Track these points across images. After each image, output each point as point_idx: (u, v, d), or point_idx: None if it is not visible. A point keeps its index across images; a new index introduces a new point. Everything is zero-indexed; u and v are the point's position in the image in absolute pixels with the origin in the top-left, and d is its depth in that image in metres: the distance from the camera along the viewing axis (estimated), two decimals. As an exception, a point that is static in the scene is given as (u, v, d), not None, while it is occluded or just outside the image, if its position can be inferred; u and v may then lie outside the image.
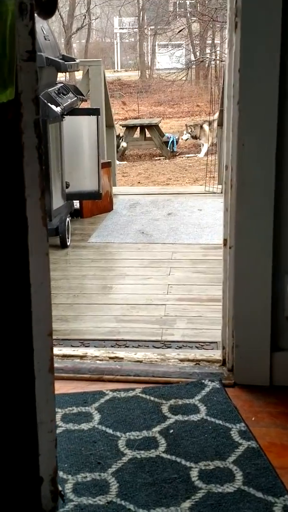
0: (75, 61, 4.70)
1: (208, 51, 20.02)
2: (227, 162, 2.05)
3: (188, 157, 11.60)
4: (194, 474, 1.73)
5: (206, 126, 11.55)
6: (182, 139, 12.14)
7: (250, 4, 1.83)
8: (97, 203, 5.13)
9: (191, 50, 21.20)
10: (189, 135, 11.88)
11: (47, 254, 1.42)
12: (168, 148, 11.80)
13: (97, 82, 5.67)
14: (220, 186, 5.93)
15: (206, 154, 11.42)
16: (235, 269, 2.09)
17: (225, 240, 2.13)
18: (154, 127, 12.01)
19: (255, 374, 2.14)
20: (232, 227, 2.06)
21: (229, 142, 2.02)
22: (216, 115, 11.36)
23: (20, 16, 1.28)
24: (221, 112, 6.01)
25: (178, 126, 14.03)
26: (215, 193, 5.88)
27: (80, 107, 4.87)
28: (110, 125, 6.12)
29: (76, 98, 4.58)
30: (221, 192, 5.78)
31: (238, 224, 2.02)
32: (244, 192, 1.99)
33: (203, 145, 11.62)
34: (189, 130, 11.93)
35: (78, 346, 2.75)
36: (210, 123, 11.43)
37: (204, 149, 11.48)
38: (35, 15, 1.31)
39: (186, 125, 12.40)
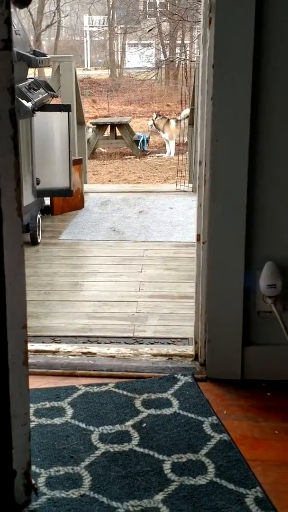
0: (46, 56, 4.68)
1: (178, 50, 20.11)
2: (201, 158, 2.07)
3: (158, 156, 11.64)
4: (167, 467, 1.74)
5: (172, 122, 11.63)
6: (148, 126, 12.23)
7: None
8: (68, 200, 5.11)
9: (161, 50, 21.27)
10: (152, 122, 11.99)
11: (22, 245, 1.42)
12: (139, 147, 11.82)
13: (68, 78, 5.65)
14: (191, 185, 5.98)
15: (177, 153, 11.51)
16: (208, 264, 2.11)
17: (198, 236, 2.14)
18: (124, 126, 12.01)
19: (227, 368, 2.17)
20: (205, 222, 2.08)
21: (203, 137, 2.04)
22: (183, 114, 11.57)
23: (-4, 5, 1.27)
24: (192, 111, 6.05)
25: (148, 125, 14.03)
26: (186, 191, 5.92)
27: (51, 103, 4.85)
28: (81, 122, 6.10)
29: (47, 94, 4.55)
30: (192, 191, 5.89)
31: (212, 220, 2.05)
32: (217, 188, 2.01)
33: (168, 142, 11.68)
34: (154, 117, 12.03)
35: (50, 343, 2.74)
36: (177, 121, 11.53)
37: (171, 146, 11.56)
38: (11, 4, 1.31)
39: (154, 112, 12.53)
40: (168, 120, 11.90)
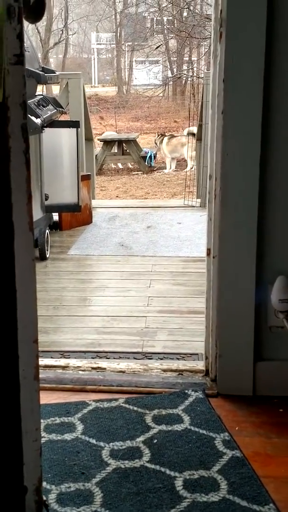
0: (55, 73, 4.71)
1: (185, 67, 20.26)
2: (211, 172, 2.06)
3: (166, 172, 11.68)
4: (178, 483, 1.72)
5: (165, 139, 11.75)
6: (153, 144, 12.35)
7: (234, 14, 1.86)
8: (76, 216, 5.12)
9: (168, 67, 21.44)
10: (155, 140, 12.14)
11: (33, 260, 1.41)
12: (146, 163, 11.88)
13: (76, 95, 5.69)
14: (199, 200, 5.99)
15: (192, 168, 11.60)
16: (218, 279, 2.10)
17: (208, 250, 2.14)
18: (131, 142, 12.08)
19: (238, 384, 2.15)
20: (215, 236, 2.08)
21: (213, 152, 2.04)
22: (186, 131, 11.69)
23: (8, 19, 1.28)
24: (200, 126, 6.08)
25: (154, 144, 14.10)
26: (194, 206, 5.92)
27: (59, 119, 4.89)
28: (89, 138, 6.14)
29: (55, 110, 4.58)
30: (200, 206, 5.90)
31: (222, 234, 2.04)
32: (228, 202, 2.01)
33: (166, 158, 11.79)
34: (157, 137, 12.14)
35: (59, 358, 2.72)
36: (171, 137, 11.66)
37: (167, 162, 11.68)
38: (23, 18, 1.31)
39: (157, 132, 12.66)
40: (163, 137, 12.06)
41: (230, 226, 2.03)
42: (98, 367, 2.32)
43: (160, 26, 20.98)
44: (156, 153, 12.36)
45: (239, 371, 2.13)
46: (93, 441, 1.89)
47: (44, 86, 5.13)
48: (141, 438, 1.91)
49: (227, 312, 2.10)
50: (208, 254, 2.14)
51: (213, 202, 2.08)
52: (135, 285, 3.84)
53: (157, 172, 11.84)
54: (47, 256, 4.38)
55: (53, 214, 4.97)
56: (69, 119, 5.38)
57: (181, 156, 11.82)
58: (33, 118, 3.97)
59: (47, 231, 4.43)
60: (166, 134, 12.72)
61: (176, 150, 11.71)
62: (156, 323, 3.25)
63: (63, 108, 4.93)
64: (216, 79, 1.96)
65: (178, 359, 2.80)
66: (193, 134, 11.35)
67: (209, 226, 2.12)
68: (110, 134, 13.86)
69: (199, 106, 6.43)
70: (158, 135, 12.27)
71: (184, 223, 5.34)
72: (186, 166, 10.97)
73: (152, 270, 4.14)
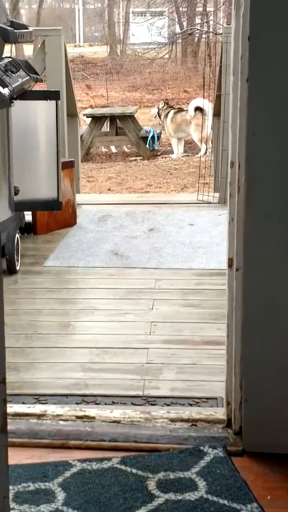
0: (27, 29, 4.74)
1: (198, 20, 20.37)
2: (233, 158, 2.07)
3: (172, 157, 11.72)
4: None
5: (171, 113, 11.83)
6: (152, 115, 12.45)
7: None
8: (55, 215, 5.12)
9: (176, 20, 21.56)
10: (157, 112, 12.23)
11: (0, 273, 1.41)
12: (147, 145, 11.92)
13: (55, 57, 5.71)
14: (217, 194, 5.99)
15: (191, 152, 11.66)
16: (244, 298, 2.09)
17: (230, 260, 2.14)
18: (128, 118, 12.14)
19: (271, 439, 2.14)
20: (239, 242, 2.08)
21: (236, 132, 2.04)
22: (193, 104, 11.76)
23: None
24: (218, 98, 6.09)
25: (152, 115, 14.16)
26: (211, 203, 5.93)
27: (34, 89, 4.90)
28: (72, 114, 6.15)
29: (29, 77, 4.60)
30: (218, 202, 5.92)
31: (248, 239, 2.04)
32: (255, 196, 2.01)
33: (172, 139, 11.87)
34: (161, 106, 12.23)
35: (33, 403, 2.72)
36: (177, 111, 11.77)
37: (173, 145, 11.76)
38: None
39: (162, 100, 12.76)
40: (169, 110, 12.10)
41: (259, 228, 2.03)
42: (85, 416, 2.32)
43: None
44: (160, 133, 12.40)
45: (271, 421, 2.12)
46: (78, 515, 1.88)
47: (14, 45, 5.14)
48: (143, 511, 1.90)
49: (256, 343, 2.09)
50: (230, 265, 2.14)
51: (235, 197, 2.08)
52: (133, 307, 3.84)
53: (162, 157, 11.88)
54: (17, 268, 4.38)
55: (26, 213, 4.97)
56: (46, 89, 5.40)
57: (189, 136, 11.90)
58: (-2, 87, 3.98)
59: (17, 235, 4.43)
60: (175, 106, 12.80)
61: (181, 129, 11.80)
62: (161, 357, 3.25)
63: (38, 75, 4.95)
64: (240, 36, 1.97)
65: (190, 405, 2.79)
66: (200, 109, 11.51)
67: (230, 228, 2.12)
68: (99, 109, 13.94)
69: (217, 72, 6.45)
70: (163, 106, 12.31)
71: (197, 224, 5.34)
72: (200, 150, 11.03)
73: (155, 286, 4.13)
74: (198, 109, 11.44)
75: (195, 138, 11.59)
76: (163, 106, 12.30)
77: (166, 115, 12.03)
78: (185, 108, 12.45)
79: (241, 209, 2.05)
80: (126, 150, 12.58)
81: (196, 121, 11.27)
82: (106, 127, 12.62)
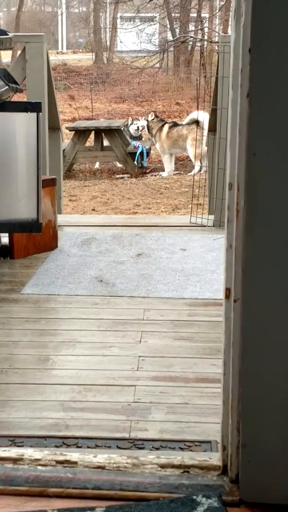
0: (7, 35, 4.77)
1: (192, 27, 20.55)
2: (231, 179, 2.07)
3: (163, 175, 11.78)
4: None
5: (165, 128, 11.90)
6: (133, 130, 12.49)
7: None
8: (35, 238, 5.13)
9: (168, 26, 21.74)
10: (147, 124, 12.30)
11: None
12: (136, 162, 11.97)
13: (37, 66, 5.75)
14: (212, 217, 6.02)
15: (185, 171, 11.70)
16: (242, 332, 2.09)
17: (227, 291, 2.13)
18: (115, 132, 12.21)
19: (271, 488, 2.13)
20: (238, 271, 2.07)
21: (235, 150, 2.05)
22: (189, 118, 11.80)
23: None
24: (214, 112, 6.14)
25: (133, 130, 14.24)
26: (205, 226, 5.95)
27: (12, 100, 4.91)
28: (54, 127, 6.19)
29: (7, 87, 4.62)
30: (213, 225, 5.94)
31: (248, 268, 2.04)
32: (256, 221, 2.01)
33: (162, 156, 11.92)
34: (151, 119, 12.32)
35: (8, 446, 2.71)
36: (173, 126, 11.83)
37: (165, 163, 11.80)
38: None
39: (152, 111, 12.86)
40: (163, 124, 12.14)
41: (260, 256, 2.03)
42: (66, 461, 2.30)
43: None
44: (149, 148, 12.47)
45: (272, 467, 2.11)
46: None
47: (-9, 52, 5.16)
48: None
49: (255, 381, 2.09)
50: (228, 296, 2.14)
51: (234, 221, 2.08)
52: (119, 340, 3.84)
53: (151, 175, 11.94)
54: (-8, 296, 4.38)
55: (2, 235, 4.97)
56: (26, 100, 5.42)
57: (183, 152, 11.98)
58: (-26, 97, 4.00)
59: (-8, 259, 4.43)
60: (167, 120, 12.87)
61: (177, 145, 11.85)
62: (149, 395, 3.25)
63: (18, 85, 4.97)
64: (240, 48, 1.97)
65: (182, 449, 2.79)
66: (197, 122, 11.57)
67: (228, 256, 2.12)
68: (83, 121, 13.99)
69: (212, 83, 6.51)
70: (154, 118, 12.35)
71: (190, 249, 5.36)
72: (193, 167, 11.09)
73: (144, 317, 4.14)
74: (194, 122, 11.53)
75: (190, 154, 11.65)
76: (153, 119, 12.35)
77: (160, 129, 12.06)
78: (179, 122, 12.53)
79: (240, 235, 2.05)
80: (112, 167, 12.62)
81: (193, 136, 11.35)
82: (90, 142, 12.68)
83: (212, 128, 6.32)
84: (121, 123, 12.86)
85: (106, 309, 4.28)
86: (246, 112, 1.98)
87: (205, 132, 11.37)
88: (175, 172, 11.91)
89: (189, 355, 3.67)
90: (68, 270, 4.89)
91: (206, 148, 9.69)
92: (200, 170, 10.42)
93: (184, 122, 12.21)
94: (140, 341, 3.83)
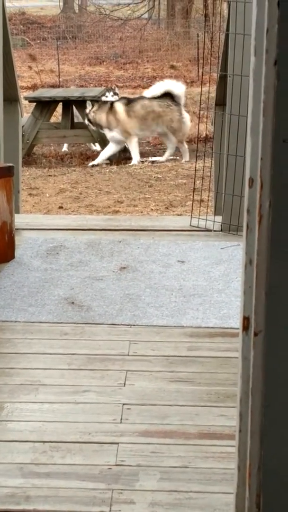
0: None
1: None
2: (252, 174, 2.08)
3: (154, 161, 11.78)
4: None
5: (119, 106, 11.89)
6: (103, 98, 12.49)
7: None
8: (-16, 245, 5.13)
9: None
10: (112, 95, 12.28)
11: None
12: (117, 144, 11.99)
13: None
14: (219, 219, 6.02)
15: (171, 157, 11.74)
16: (265, 376, 2.10)
17: (246, 320, 2.14)
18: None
19: None
20: (260, 296, 2.08)
21: (257, 135, 2.06)
22: (155, 88, 11.78)
23: None
24: (222, 80, 6.15)
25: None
26: (210, 230, 5.95)
27: None
28: (11, 99, 6.18)
29: None
30: (221, 230, 5.93)
31: (274, 290, 2.04)
32: (284, 229, 2.02)
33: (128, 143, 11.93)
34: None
35: None
36: (128, 103, 11.81)
37: (184, 154, 11.81)
38: None
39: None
40: (111, 104, 12.04)
41: (289, 276, 2.04)
42: None
43: None
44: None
45: None
46: None
47: None
48: None
49: (283, 443, 2.10)
50: (246, 327, 2.14)
51: (255, 229, 2.08)
52: (96, 382, 3.83)
53: (138, 161, 11.93)
54: None
55: None
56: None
57: (156, 135, 12.01)
58: None
59: None
60: (118, 93, 12.81)
61: (146, 124, 11.81)
62: (137, 456, 3.25)
63: None
64: (265, 0, 1.99)
65: (180, 528, 2.79)
66: (170, 95, 11.58)
67: (247, 274, 2.13)
68: (47, 90, 13.99)
69: (219, 41, 6.51)
70: (94, 106, 12.13)
71: (190, 261, 5.35)
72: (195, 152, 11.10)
73: (129, 352, 4.14)
74: (168, 95, 11.55)
75: (171, 140, 11.67)
76: (92, 108, 12.03)
77: (110, 111, 11.84)
78: (136, 96, 12.51)
79: (263, 248, 2.06)
80: (85, 150, 12.62)
81: (173, 115, 11.39)
82: (57, 117, 12.67)
83: (220, 102, 6.32)
84: (98, 92, 12.87)
85: (79, 341, 4.26)
86: (272, 86, 2.00)
87: (183, 110, 11.47)
88: (173, 157, 11.90)
89: (189, 402, 3.66)
90: (28, 288, 4.87)
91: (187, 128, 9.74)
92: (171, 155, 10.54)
93: (149, 95, 12.13)
94: (124, 384, 3.82)
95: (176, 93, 11.30)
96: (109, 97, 12.28)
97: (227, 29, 5.89)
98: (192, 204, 6.37)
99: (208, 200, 6.69)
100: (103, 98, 12.25)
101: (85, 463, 3.21)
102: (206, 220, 6.07)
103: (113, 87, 12.94)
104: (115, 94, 12.45)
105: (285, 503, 2.14)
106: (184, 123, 11.27)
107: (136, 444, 3.34)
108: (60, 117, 12.62)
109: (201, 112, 7.24)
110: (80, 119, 12.32)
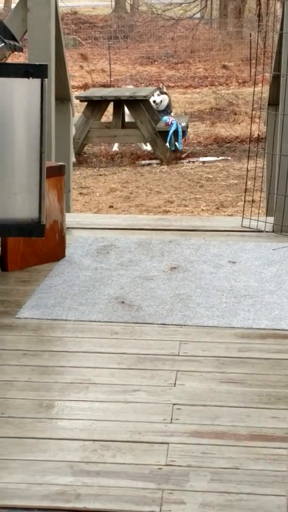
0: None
1: None
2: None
3: (205, 161, 11.76)
4: None
5: None
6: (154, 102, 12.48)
7: None
8: (35, 244, 5.14)
9: None
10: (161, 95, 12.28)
11: None
12: (168, 143, 11.97)
13: (42, 16, 5.77)
14: (271, 219, 5.99)
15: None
16: None
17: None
18: (140, 104, 12.20)
19: None
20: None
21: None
22: (159, 97, 11.77)
23: None
24: (276, 80, 6.13)
25: (187, 103, 14.26)
26: (262, 231, 5.93)
27: (9, 60, 4.94)
28: (63, 98, 6.20)
29: (3, 44, 4.65)
30: (273, 230, 5.90)
31: None
32: None
33: None
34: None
35: (0, 520, 2.72)
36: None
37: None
38: None
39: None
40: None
41: None
42: None
43: None
44: (186, 126, 12.47)
45: None
46: None
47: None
48: None
49: None
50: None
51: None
52: (146, 382, 3.83)
53: (188, 161, 11.93)
54: (-21, 320, 4.40)
55: (-8, 239, 4.98)
56: (27, 62, 5.44)
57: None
58: None
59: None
60: (167, 92, 12.84)
61: None
62: (187, 456, 3.24)
63: (17, 41, 5.00)
64: None
65: (232, 529, 2.78)
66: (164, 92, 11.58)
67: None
68: (99, 89, 14.01)
69: (273, 41, 6.50)
70: (155, 91, 12.23)
71: (242, 262, 5.34)
72: (245, 151, 11.06)
73: (179, 352, 4.13)
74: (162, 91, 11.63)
75: None
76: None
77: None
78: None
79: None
80: (136, 150, 12.63)
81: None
82: (108, 116, 12.70)
83: (273, 101, 6.30)
84: (149, 91, 12.86)
85: (129, 340, 4.27)
86: None
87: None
88: (222, 157, 11.88)
89: (240, 403, 3.64)
90: (79, 287, 4.88)
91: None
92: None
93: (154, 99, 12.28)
94: (175, 384, 3.81)
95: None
96: (155, 96, 12.32)
97: (281, 29, 5.88)
98: (244, 204, 6.36)
99: (260, 200, 6.67)
100: (151, 98, 12.28)
101: (135, 463, 3.20)
102: (258, 220, 6.06)
103: (160, 86, 12.95)
104: (162, 93, 12.47)
105: None
106: None
107: (187, 445, 3.33)
108: (111, 117, 12.63)
109: (253, 112, 7.22)
110: (131, 119, 12.33)
